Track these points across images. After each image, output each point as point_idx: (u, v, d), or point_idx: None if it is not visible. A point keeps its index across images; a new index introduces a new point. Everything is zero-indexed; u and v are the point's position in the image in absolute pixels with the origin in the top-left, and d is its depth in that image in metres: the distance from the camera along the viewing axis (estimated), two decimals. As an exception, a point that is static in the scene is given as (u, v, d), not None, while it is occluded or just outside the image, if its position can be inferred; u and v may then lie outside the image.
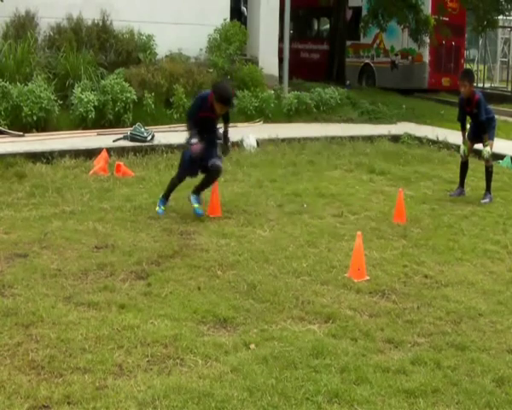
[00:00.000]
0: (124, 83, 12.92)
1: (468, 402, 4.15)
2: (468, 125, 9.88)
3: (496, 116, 10.37)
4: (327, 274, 6.21)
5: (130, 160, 10.70)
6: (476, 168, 10.53)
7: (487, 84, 31.24)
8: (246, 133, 12.39)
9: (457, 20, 22.74)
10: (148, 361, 4.44)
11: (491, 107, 10.35)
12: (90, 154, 10.59)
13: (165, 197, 8.00)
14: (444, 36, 21.03)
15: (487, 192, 9.56)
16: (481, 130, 9.55)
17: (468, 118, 9.84)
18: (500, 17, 26.14)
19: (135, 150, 11.15)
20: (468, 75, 9.89)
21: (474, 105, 9.44)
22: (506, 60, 34.48)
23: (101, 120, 12.53)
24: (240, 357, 4.54)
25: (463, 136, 9.81)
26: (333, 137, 13.22)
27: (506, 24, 32.67)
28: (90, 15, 14.33)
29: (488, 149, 9.50)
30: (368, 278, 6.14)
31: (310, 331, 5.04)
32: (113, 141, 11.56)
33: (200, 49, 15.64)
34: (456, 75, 24.04)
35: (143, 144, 11.49)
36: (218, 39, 15.75)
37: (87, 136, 11.98)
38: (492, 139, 9.68)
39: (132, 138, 11.68)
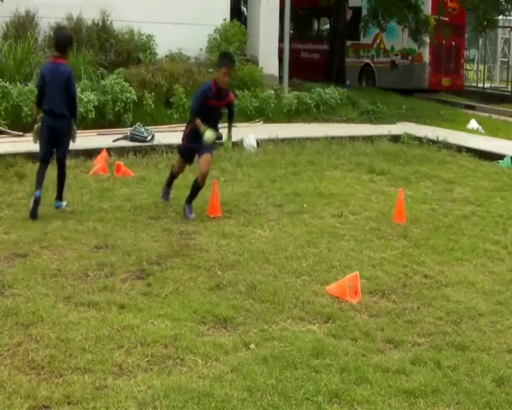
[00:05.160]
0: (124, 83, 12.92)
1: (468, 402, 4.15)
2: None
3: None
4: (327, 274, 6.21)
5: (130, 160, 10.69)
6: (476, 168, 10.53)
7: (487, 84, 31.23)
8: (246, 133, 12.38)
9: (457, 20, 22.73)
10: (148, 361, 4.44)
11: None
12: (90, 154, 10.59)
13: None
14: (444, 36, 21.02)
15: (189, 205, 7.87)
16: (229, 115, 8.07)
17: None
18: (500, 17, 26.12)
19: (135, 150, 11.15)
20: (232, 62, 8.19)
21: (227, 103, 7.97)
22: (506, 60, 34.45)
23: (101, 119, 12.52)
24: (240, 357, 4.55)
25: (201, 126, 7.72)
26: (333, 137, 13.21)
27: (506, 24, 32.64)
28: (90, 15, 14.31)
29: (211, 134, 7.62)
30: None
31: (310, 331, 5.04)
32: (113, 141, 11.55)
33: (200, 49, 15.62)
34: (456, 75, 24.15)
35: (143, 144, 11.49)
36: (218, 39, 15.74)
37: (87, 136, 11.96)
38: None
39: (132, 138, 11.67)
